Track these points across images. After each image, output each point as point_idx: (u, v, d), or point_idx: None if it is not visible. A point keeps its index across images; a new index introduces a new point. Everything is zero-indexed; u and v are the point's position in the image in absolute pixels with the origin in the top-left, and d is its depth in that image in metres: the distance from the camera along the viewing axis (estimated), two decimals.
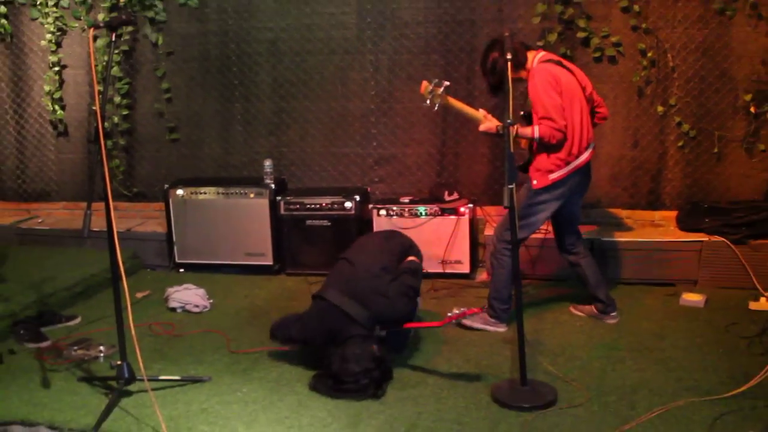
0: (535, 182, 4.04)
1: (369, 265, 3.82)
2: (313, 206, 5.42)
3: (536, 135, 3.92)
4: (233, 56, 6.02)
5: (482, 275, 5.27)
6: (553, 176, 4.02)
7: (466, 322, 4.22)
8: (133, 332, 3.30)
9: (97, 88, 3.60)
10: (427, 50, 5.61)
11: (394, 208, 5.29)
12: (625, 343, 4.03)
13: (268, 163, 5.62)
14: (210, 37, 6.03)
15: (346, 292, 3.70)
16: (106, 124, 5.64)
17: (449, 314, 3.77)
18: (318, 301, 3.78)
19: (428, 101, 3.95)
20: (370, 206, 5.40)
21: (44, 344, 4.23)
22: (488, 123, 4.03)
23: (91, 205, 3.32)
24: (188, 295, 4.84)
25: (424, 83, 3.95)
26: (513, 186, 3.29)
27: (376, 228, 5.30)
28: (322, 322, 3.71)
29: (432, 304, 4.73)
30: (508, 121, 3.41)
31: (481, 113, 4.07)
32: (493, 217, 5.42)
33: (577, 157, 4.02)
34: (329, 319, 3.68)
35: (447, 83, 3.98)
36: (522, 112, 4.20)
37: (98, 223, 3.35)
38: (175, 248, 5.68)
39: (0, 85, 6.62)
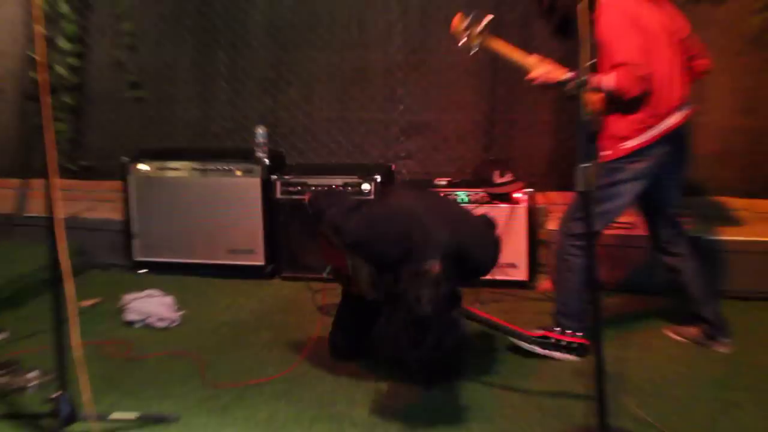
0: (606, 153, 4.00)
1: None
2: (319, 188, 5.38)
3: (610, 85, 3.86)
4: None
5: (545, 283, 5.22)
6: (630, 144, 3.97)
7: (525, 345, 4.15)
8: (77, 354, 3.24)
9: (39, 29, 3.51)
10: None
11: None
12: (743, 381, 3.91)
13: (260, 131, 5.58)
14: None
15: (424, 208, 3.57)
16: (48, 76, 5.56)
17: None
18: (387, 201, 3.74)
19: (463, 42, 3.96)
20: None
21: None
22: (544, 69, 3.96)
23: (27, 182, 3.21)
24: (151, 305, 4.79)
25: (458, 17, 3.97)
26: (589, 165, 3.17)
27: None
28: (398, 224, 3.47)
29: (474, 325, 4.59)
30: (582, 77, 3.24)
31: (533, 58, 4.03)
32: (559, 206, 5.37)
33: (663, 119, 3.96)
34: (407, 225, 3.43)
35: (489, 17, 3.97)
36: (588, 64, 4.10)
37: (34, 207, 3.23)
38: (136, 242, 5.67)
39: None
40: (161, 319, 4.73)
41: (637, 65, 3.82)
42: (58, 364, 3.38)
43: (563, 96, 3.91)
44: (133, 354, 4.35)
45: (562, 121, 5.57)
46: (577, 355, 4.09)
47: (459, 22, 3.97)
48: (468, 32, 3.94)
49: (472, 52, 3.99)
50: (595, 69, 3.97)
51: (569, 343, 4.01)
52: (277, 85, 6.05)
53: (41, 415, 3.54)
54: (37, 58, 3.26)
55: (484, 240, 3.69)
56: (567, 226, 4.15)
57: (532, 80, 3.99)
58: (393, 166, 5.79)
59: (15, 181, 6.41)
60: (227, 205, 5.49)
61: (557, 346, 4.14)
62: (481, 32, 3.94)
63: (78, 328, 3.23)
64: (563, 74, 3.90)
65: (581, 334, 4.14)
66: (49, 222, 3.32)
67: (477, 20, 3.94)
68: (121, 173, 5.68)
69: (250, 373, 4.03)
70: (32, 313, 4.94)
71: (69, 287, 3.31)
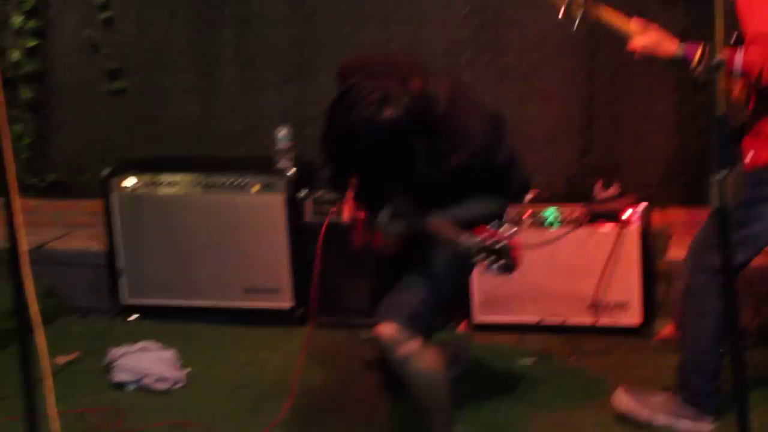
0: (749, 157, 4.00)
1: None
2: None
3: (739, 65, 3.84)
4: None
5: (666, 329, 5.21)
6: None
7: (638, 413, 4.21)
8: (54, 426, 3.23)
9: None
10: None
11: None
12: None
13: (283, 132, 5.69)
14: None
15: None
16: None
17: None
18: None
19: (562, 12, 4.00)
20: None
21: None
22: (650, 38, 4.00)
23: None
24: (147, 362, 4.91)
25: None
26: (725, 174, 3.21)
27: None
28: None
29: (577, 380, 4.76)
30: (718, 57, 3.30)
31: (635, 24, 4.07)
32: (683, 227, 5.42)
33: None
34: None
35: None
36: (732, 41, 4.17)
37: None
38: (123, 280, 5.77)
39: None
40: (161, 380, 4.83)
41: None
42: None
43: (691, 83, 3.99)
44: (125, 426, 4.44)
45: (686, 115, 5.56)
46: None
47: None
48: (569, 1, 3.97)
49: (575, 27, 4.04)
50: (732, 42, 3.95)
51: None
52: (302, 72, 6.06)
53: None
54: None
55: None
56: (700, 257, 4.15)
57: (634, 51, 4.01)
58: None
59: None
60: (241, 230, 5.56)
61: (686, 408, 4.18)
62: (586, 1, 3.97)
63: (54, 391, 3.23)
64: (675, 47, 3.92)
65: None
66: (10, 256, 3.42)
67: None
68: (101, 190, 5.76)
69: None
70: None
71: (40, 340, 3.26)
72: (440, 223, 3.70)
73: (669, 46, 3.94)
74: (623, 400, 4.27)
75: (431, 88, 3.70)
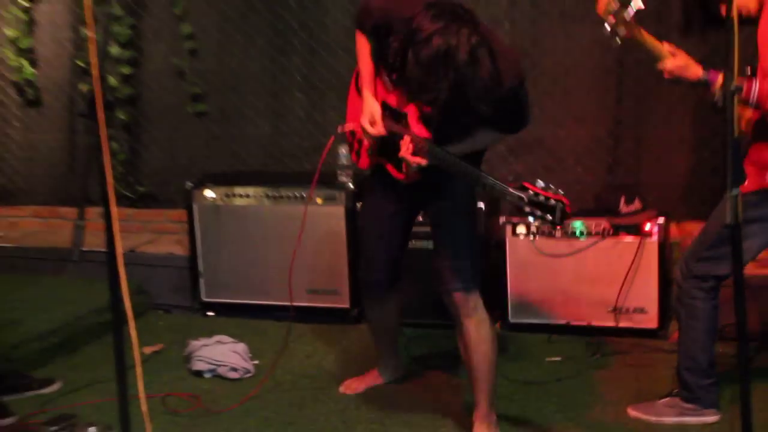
0: (745, 183, 3.97)
1: None
2: None
3: (752, 96, 3.86)
4: None
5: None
6: None
7: (648, 416, 4.29)
8: (144, 407, 3.40)
9: (92, 35, 3.74)
10: None
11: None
12: None
13: (344, 151, 5.67)
14: None
15: None
16: (89, 87, 5.93)
17: None
18: None
19: (608, 28, 3.98)
20: (502, 220, 5.47)
21: (7, 421, 4.44)
22: (681, 61, 4.01)
23: (83, 212, 3.42)
24: (221, 353, 5.02)
25: None
26: (737, 192, 3.02)
27: (510, 254, 5.41)
28: None
29: (599, 376, 4.80)
30: (734, 84, 3.28)
31: (666, 48, 4.06)
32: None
33: None
34: None
35: (640, 5, 3.93)
36: (749, 68, 4.20)
37: (90, 241, 3.36)
38: (202, 280, 5.93)
39: None
40: (233, 369, 4.93)
41: None
42: (120, 419, 3.40)
43: (710, 106, 3.96)
44: (202, 408, 4.55)
45: (702, 137, 5.55)
46: None
47: (606, 4, 3.92)
48: (616, 18, 3.91)
49: (617, 42, 3.98)
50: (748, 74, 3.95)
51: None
52: None
53: None
54: (92, 68, 3.21)
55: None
56: (692, 264, 4.17)
57: (664, 71, 3.99)
58: None
59: (63, 210, 6.79)
60: (306, 238, 5.38)
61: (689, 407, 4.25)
62: (630, 21, 3.91)
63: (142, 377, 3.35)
64: (701, 72, 3.92)
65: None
66: (108, 258, 3.27)
67: (625, 5, 3.89)
68: (185, 201, 5.88)
69: (335, 430, 4.24)
70: (86, 360, 5.23)
71: (132, 332, 3.32)
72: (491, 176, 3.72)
73: (695, 70, 3.95)
74: (633, 414, 4.32)
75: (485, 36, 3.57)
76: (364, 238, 4.54)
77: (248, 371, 5.01)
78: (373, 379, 4.78)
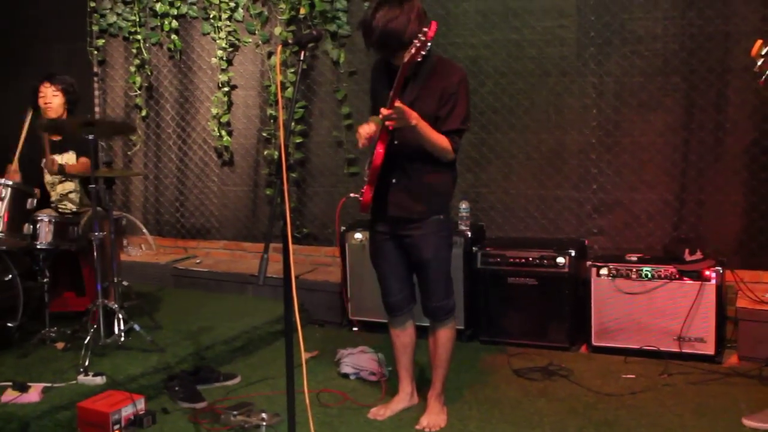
0: None
1: None
2: (517, 260, 5.42)
3: None
4: None
5: (731, 358, 5.09)
6: None
7: (751, 422, 4.05)
8: (307, 400, 3.46)
9: (281, 115, 3.80)
10: (666, 71, 5.53)
11: (619, 268, 5.20)
12: None
13: (464, 206, 5.70)
14: None
15: None
16: (277, 153, 5.99)
17: None
18: None
19: (759, 66, 3.88)
20: (588, 263, 5.36)
21: (200, 405, 4.48)
22: None
23: (269, 248, 3.45)
24: (363, 360, 4.99)
25: (759, 43, 3.90)
26: None
27: (594, 291, 5.26)
28: None
29: (666, 391, 4.59)
30: None
31: None
32: (747, 285, 5.19)
33: None
34: None
35: None
36: None
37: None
38: (350, 303, 5.87)
39: (165, 107, 7.22)
40: (372, 374, 4.89)
41: None
42: (288, 409, 3.49)
43: None
44: (348, 403, 4.53)
45: (753, 202, 5.38)
46: None
47: (759, 47, 3.88)
48: (764, 59, 3.84)
49: (762, 79, 3.88)
50: None
51: None
52: (479, 163, 6.06)
53: None
54: (281, 140, 3.36)
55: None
56: None
57: None
58: (586, 242, 5.69)
59: (247, 245, 6.97)
60: None
61: None
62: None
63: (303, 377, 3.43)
64: None
65: None
66: (285, 283, 3.39)
67: None
68: (339, 241, 5.90)
69: (451, 427, 4.15)
70: (260, 361, 5.25)
71: (301, 341, 3.39)
72: None
73: None
74: (749, 424, 4.06)
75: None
76: (376, 269, 4.37)
77: (384, 375, 4.94)
78: (396, 404, 4.46)
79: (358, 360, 4.97)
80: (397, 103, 3.65)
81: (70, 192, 5.55)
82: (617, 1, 5.59)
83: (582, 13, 5.69)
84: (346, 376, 4.94)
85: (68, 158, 5.54)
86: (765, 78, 3.85)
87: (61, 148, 5.54)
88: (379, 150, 3.84)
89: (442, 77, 3.92)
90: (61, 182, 5.54)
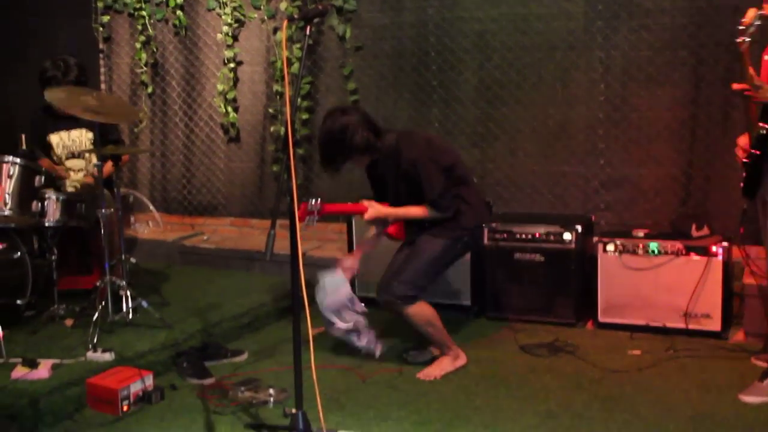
0: None
1: None
2: (523, 236, 5.43)
3: None
4: (432, 52, 6.22)
5: (737, 335, 5.09)
6: None
7: (748, 398, 4.08)
8: (314, 376, 3.52)
9: (288, 91, 3.83)
10: (674, 45, 5.53)
11: (626, 244, 5.21)
12: None
13: None
14: (406, 30, 6.29)
15: None
16: (283, 129, 6.00)
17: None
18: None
19: (749, 32, 3.83)
20: (595, 239, 5.36)
21: (208, 381, 4.53)
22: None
23: (275, 224, 3.47)
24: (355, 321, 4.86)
25: (753, 11, 3.87)
26: None
27: (601, 267, 5.27)
28: None
29: (671, 367, 4.62)
30: None
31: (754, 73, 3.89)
32: (754, 260, 5.18)
33: None
34: None
35: None
36: None
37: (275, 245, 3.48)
38: (356, 280, 5.79)
39: (171, 84, 7.24)
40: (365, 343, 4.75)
41: None
42: (296, 385, 3.56)
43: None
44: (354, 374, 4.59)
45: None
46: None
47: (752, 15, 3.80)
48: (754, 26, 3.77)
49: (745, 42, 3.80)
50: None
51: None
52: (486, 139, 6.08)
53: (281, 428, 3.79)
54: (288, 116, 3.36)
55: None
56: None
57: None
58: (593, 217, 5.70)
59: (254, 221, 6.99)
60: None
61: None
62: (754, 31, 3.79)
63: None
64: None
65: None
66: (292, 260, 3.43)
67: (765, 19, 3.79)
68: (346, 217, 5.89)
69: (457, 402, 4.17)
70: (267, 337, 5.28)
71: (309, 317, 3.45)
72: None
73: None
74: (747, 399, 4.07)
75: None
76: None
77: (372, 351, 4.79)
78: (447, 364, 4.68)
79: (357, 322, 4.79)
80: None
81: (80, 170, 5.62)
82: None
83: None
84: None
85: (77, 135, 5.60)
86: (744, 42, 3.78)
87: (69, 126, 5.60)
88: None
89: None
90: (68, 159, 5.60)
